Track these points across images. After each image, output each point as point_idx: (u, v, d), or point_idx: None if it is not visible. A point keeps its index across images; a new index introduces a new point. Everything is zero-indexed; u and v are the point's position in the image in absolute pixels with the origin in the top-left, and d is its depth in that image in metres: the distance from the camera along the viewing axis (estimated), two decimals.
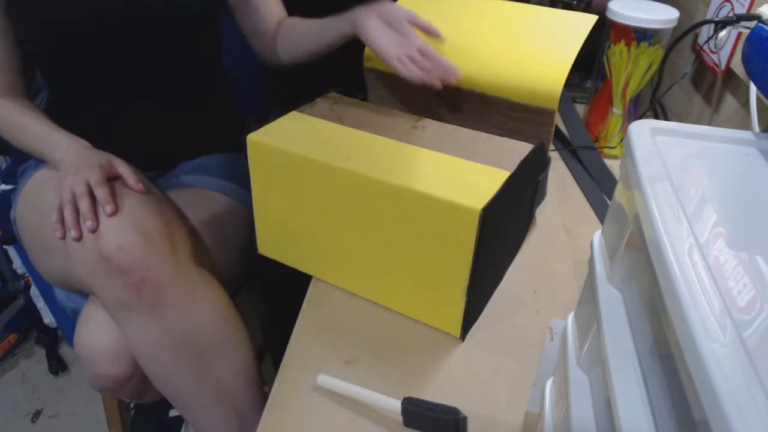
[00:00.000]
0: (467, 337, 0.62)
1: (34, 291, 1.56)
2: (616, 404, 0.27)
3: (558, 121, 1.02)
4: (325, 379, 0.56)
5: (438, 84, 0.70)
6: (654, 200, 0.28)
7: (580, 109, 1.07)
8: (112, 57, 0.81)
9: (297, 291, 0.70)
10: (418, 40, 0.71)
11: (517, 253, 0.74)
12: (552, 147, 0.91)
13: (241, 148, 0.65)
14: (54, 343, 1.60)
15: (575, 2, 1.04)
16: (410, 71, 0.69)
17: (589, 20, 0.74)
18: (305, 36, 0.86)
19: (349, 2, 0.76)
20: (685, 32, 0.84)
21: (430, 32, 0.73)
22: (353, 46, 0.79)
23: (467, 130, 0.68)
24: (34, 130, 0.81)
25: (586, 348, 0.36)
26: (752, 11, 0.75)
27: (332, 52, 0.83)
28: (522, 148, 0.64)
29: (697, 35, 0.92)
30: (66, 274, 0.77)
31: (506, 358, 0.60)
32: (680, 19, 0.86)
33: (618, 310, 0.32)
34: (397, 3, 0.76)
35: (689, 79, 0.95)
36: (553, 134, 0.75)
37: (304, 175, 0.62)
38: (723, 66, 0.81)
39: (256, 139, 0.64)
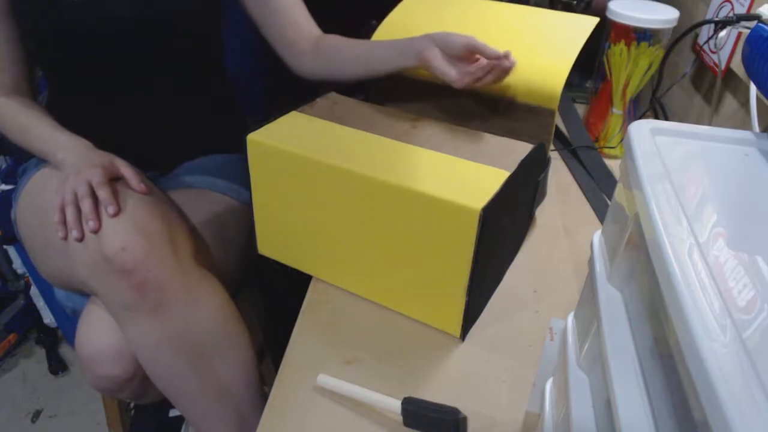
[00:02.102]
0: (467, 337, 0.62)
1: (34, 291, 1.56)
2: (616, 404, 0.27)
3: (558, 121, 1.02)
4: (325, 379, 0.56)
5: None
6: (654, 200, 0.28)
7: (580, 109, 1.07)
8: (115, 58, 0.81)
9: (297, 291, 0.70)
10: (488, 66, 0.69)
11: (517, 253, 0.74)
12: (552, 147, 0.91)
13: (241, 148, 0.65)
14: (54, 343, 1.60)
15: (575, 2, 1.04)
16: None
17: (591, 22, 0.74)
18: (355, 60, 0.80)
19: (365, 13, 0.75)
20: (685, 32, 0.84)
21: (492, 57, 0.68)
22: None
23: (467, 130, 0.68)
24: (37, 130, 0.81)
25: (586, 348, 0.36)
26: (752, 11, 0.75)
27: None
28: (522, 148, 0.64)
29: (697, 35, 0.92)
30: (67, 274, 0.77)
31: (506, 358, 0.60)
32: (680, 19, 0.86)
33: (618, 310, 0.32)
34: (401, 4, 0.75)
35: (689, 79, 0.95)
36: (553, 134, 0.75)
37: (304, 175, 0.62)
38: (723, 66, 0.81)
39: (256, 139, 0.64)
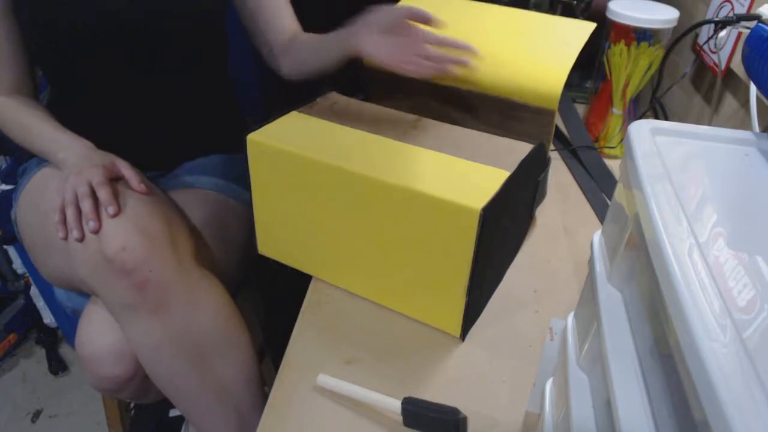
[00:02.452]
0: (467, 337, 0.62)
1: (34, 291, 1.56)
2: (616, 404, 0.27)
3: (558, 121, 1.02)
4: (325, 379, 0.56)
5: (454, 70, 0.67)
6: (654, 200, 0.28)
7: (580, 109, 1.07)
8: (115, 57, 0.81)
9: (297, 291, 0.70)
10: (420, 33, 0.68)
11: (517, 253, 0.74)
12: (552, 147, 0.91)
13: (241, 148, 0.65)
14: (54, 343, 1.60)
15: (575, 2, 1.04)
16: (420, 69, 0.67)
17: (589, 27, 0.75)
18: (312, 54, 0.83)
19: (356, 6, 0.75)
20: (685, 32, 0.84)
21: (432, 23, 0.69)
22: None
23: (467, 130, 0.68)
24: (38, 129, 0.81)
25: (586, 348, 0.36)
26: (752, 11, 0.75)
27: None
28: (522, 148, 0.64)
29: (697, 35, 0.92)
30: (67, 274, 0.77)
31: (506, 358, 0.60)
32: (680, 19, 0.86)
33: (618, 310, 0.32)
34: (398, 4, 0.75)
35: (689, 79, 0.95)
36: (553, 134, 0.75)
37: (304, 175, 0.62)
38: (723, 66, 0.81)
39: (256, 139, 0.64)
